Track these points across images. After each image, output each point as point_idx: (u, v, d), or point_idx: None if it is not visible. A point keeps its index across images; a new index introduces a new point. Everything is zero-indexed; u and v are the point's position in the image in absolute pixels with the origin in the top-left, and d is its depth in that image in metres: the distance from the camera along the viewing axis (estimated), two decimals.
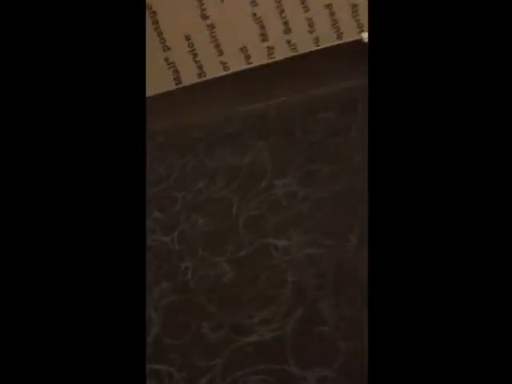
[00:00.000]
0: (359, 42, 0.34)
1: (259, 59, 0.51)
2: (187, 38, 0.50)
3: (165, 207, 0.36)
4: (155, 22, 0.49)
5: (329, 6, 0.50)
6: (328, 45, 0.51)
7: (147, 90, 0.50)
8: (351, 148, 0.33)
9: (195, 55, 0.50)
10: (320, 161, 0.34)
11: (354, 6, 0.49)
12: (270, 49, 0.51)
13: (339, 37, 0.51)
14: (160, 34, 0.50)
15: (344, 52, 0.37)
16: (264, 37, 0.50)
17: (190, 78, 0.51)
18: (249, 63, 0.51)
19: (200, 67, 0.51)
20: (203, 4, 0.49)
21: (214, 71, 0.51)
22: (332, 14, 0.50)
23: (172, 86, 0.51)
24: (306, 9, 0.50)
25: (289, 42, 0.51)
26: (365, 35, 0.34)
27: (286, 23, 0.50)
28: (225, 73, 0.51)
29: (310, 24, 0.51)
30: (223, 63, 0.51)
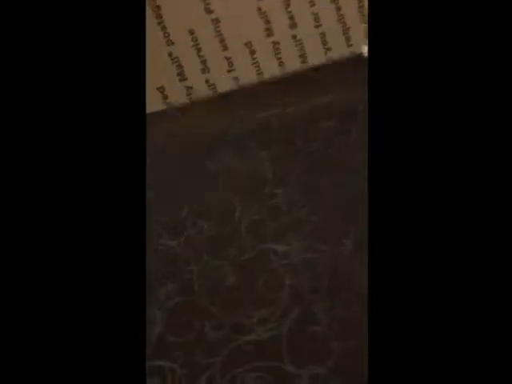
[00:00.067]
0: (360, 55, 0.35)
1: (264, 54, 0.50)
2: (191, 32, 0.49)
3: (172, 213, 0.37)
4: (159, 17, 0.49)
5: (335, 0, 0.49)
6: (333, 41, 0.50)
7: (150, 84, 0.49)
8: (350, 156, 0.35)
9: (199, 50, 0.50)
10: (319, 169, 0.36)
11: (361, 0, 0.48)
12: (275, 44, 0.50)
13: (345, 32, 0.50)
14: (164, 28, 0.49)
15: (346, 64, 0.39)
16: (269, 32, 0.50)
17: (193, 73, 0.50)
18: (253, 58, 0.50)
19: (204, 62, 0.50)
20: None
21: (217, 66, 0.50)
22: (338, 9, 0.50)
23: (175, 81, 0.50)
24: (312, 3, 0.49)
25: (294, 36, 0.50)
26: (365, 49, 0.34)
27: (291, 18, 0.50)
28: (230, 75, 0.50)
29: (316, 19, 0.50)
30: (227, 58, 0.50)
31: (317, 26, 0.50)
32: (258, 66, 0.50)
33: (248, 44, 0.50)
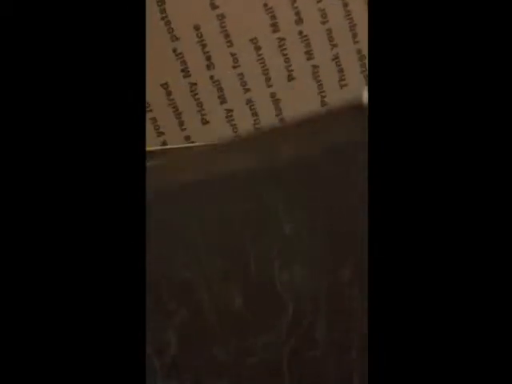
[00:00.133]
0: (360, 105, 0.37)
1: (269, 50, 0.49)
2: (196, 28, 0.48)
3: (188, 245, 0.39)
4: (163, 11, 0.48)
5: None
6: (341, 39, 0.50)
7: (154, 80, 0.48)
8: (349, 196, 0.37)
9: (204, 46, 0.49)
10: (322, 205, 0.37)
11: None
12: (281, 40, 0.49)
13: (352, 28, 0.50)
14: (168, 23, 0.48)
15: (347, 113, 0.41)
16: (275, 28, 0.49)
17: (198, 69, 0.49)
18: (259, 55, 0.49)
19: (208, 58, 0.49)
20: None
21: (222, 63, 0.49)
22: (345, 5, 0.49)
23: (179, 78, 0.49)
24: None
25: (300, 33, 0.49)
26: (365, 96, 0.34)
27: (297, 14, 0.49)
28: (235, 71, 0.50)
29: (323, 15, 0.49)
30: (232, 54, 0.49)
31: (323, 23, 0.49)
32: (264, 63, 0.49)
33: (253, 40, 0.49)
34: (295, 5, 0.49)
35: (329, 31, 0.49)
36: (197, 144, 0.49)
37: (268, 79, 0.50)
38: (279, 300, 0.34)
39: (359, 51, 0.50)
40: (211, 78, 0.50)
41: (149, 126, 0.50)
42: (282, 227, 0.35)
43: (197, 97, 0.50)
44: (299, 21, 0.49)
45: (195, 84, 0.50)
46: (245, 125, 0.51)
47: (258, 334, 0.34)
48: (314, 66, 0.50)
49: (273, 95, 0.50)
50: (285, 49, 0.49)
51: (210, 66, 0.49)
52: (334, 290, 0.33)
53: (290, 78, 0.50)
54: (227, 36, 0.49)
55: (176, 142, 0.50)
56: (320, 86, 0.50)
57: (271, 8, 0.49)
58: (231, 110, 0.50)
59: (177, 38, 0.48)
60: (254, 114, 0.51)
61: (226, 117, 0.50)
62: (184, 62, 0.49)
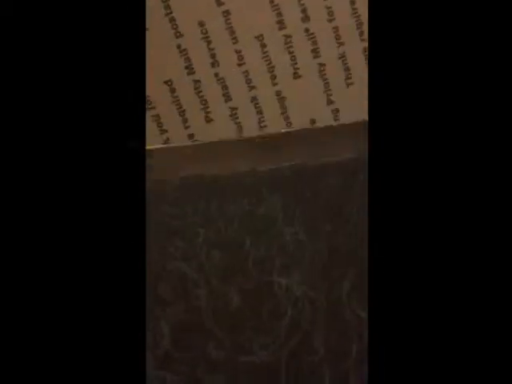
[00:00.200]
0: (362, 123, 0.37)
1: (275, 48, 0.49)
2: (201, 24, 0.48)
3: (188, 239, 0.40)
4: (167, 7, 0.47)
5: None
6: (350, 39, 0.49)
7: (157, 78, 0.48)
8: (351, 209, 0.39)
9: (209, 42, 0.48)
10: (323, 217, 0.39)
11: None
12: (287, 37, 0.48)
13: (359, 26, 0.49)
14: (172, 19, 0.47)
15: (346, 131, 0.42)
16: (281, 25, 0.48)
17: (202, 66, 0.49)
18: (264, 52, 0.49)
19: (213, 55, 0.48)
20: None
21: (227, 60, 0.49)
22: (352, 2, 0.48)
23: (183, 75, 0.49)
24: None
25: (307, 30, 0.48)
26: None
27: (304, 11, 0.48)
28: (240, 69, 0.49)
29: (330, 13, 0.48)
30: (238, 51, 0.48)
31: (330, 20, 0.48)
32: (269, 60, 0.49)
33: (259, 37, 0.48)
34: (302, 2, 0.48)
35: (335, 29, 0.49)
36: (200, 142, 0.49)
37: (273, 77, 0.49)
38: (278, 303, 0.34)
39: (366, 49, 0.49)
40: (216, 75, 0.49)
41: (152, 124, 0.49)
42: (282, 232, 0.35)
43: (201, 94, 0.49)
44: (306, 18, 0.48)
45: (199, 81, 0.49)
46: (249, 123, 0.50)
47: (256, 334, 0.35)
48: (321, 64, 0.49)
49: (278, 93, 0.50)
50: (291, 46, 0.49)
51: (214, 64, 0.49)
52: (333, 299, 0.34)
53: (296, 76, 0.49)
54: (232, 33, 0.48)
55: (179, 140, 0.50)
56: (326, 84, 0.50)
57: (277, 5, 0.48)
58: (236, 108, 0.50)
59: (181, 35, 0.48)
60: (259, 113, 0.50)
61: (231, 115, 0.50)
62: (188, 59, 0.48)
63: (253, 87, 0.49)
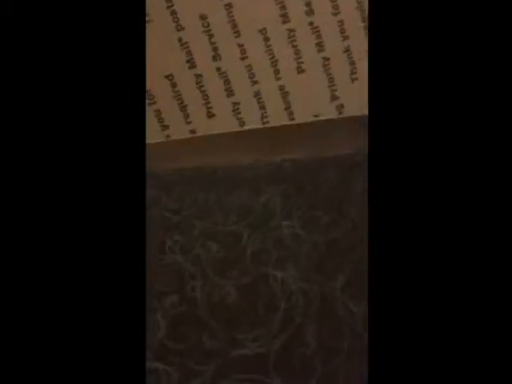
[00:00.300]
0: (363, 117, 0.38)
1: (279, 42, 0.48)
2: (202, 17, 0.47)
3: (185, 232, 0.41)
4: (169, 0, 0.46)
5: None
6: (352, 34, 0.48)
7: (158, 72, 0.47)
8: (350, 203, 0.39)
9: (211, 36, 0.47)
10: (321, 210, 0.39)
11: None
12: (291, 31, 0.48)
13: (364, 20, 0.48)
14: (173, 12, 0.47)
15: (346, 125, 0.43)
16: (285, 18, 0.47)
17: (204, 60, 0.48)
18: (267, 46, 0.48)
19: (215, 49, 0.48)
20: None
21: (229, 53, 0.48)
22: None
23: (185, 69, 0.48)
24: None
25: (311, 24, 0.48)
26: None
27: (308, 4, 0.47)
28: (243, 63, 0.48)
29: (335, 6, 0.47)
30: (240, 45, 0.48)
31: (335, 14, 0.47)
32: (273, 54, 0.48)
33: (262, 31, 0.47)
34: None
35: (340, 23, 0.48)
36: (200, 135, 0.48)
37: (277, 71, 0.48)
38: (272, 296, 0.35)
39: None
40: (218, 69, 0.48)
41: (153, 119, 0.48)
42: (280, 225, 0.36)
43: (203, 89, 0.48)
44: (310, 12, 0.47)
45: (201, 75, 0.48)
46: (252, 118, 0.49)
47: (249, 326, 0.35)
48: (325, 59, 0.48)
49: (281, 88, 0.49)
50: (294, 40, 0.48)
51: (216, 57, 0.48)
52: (327, 293, 0.34)
53: (300, 71, 0.49)
54: (235, 26, 0.47)
55: (181, 136, 0.49)
56: (331, 79, 0.49)
57: None
58: (238, 103, 0.49)
59: (182, 28, 0.47)
60: (262, 108, 0.49)
61: (233, 110, 0.49)
62: (190, 53, 0.48)
63: (256, 82, 0.48)
